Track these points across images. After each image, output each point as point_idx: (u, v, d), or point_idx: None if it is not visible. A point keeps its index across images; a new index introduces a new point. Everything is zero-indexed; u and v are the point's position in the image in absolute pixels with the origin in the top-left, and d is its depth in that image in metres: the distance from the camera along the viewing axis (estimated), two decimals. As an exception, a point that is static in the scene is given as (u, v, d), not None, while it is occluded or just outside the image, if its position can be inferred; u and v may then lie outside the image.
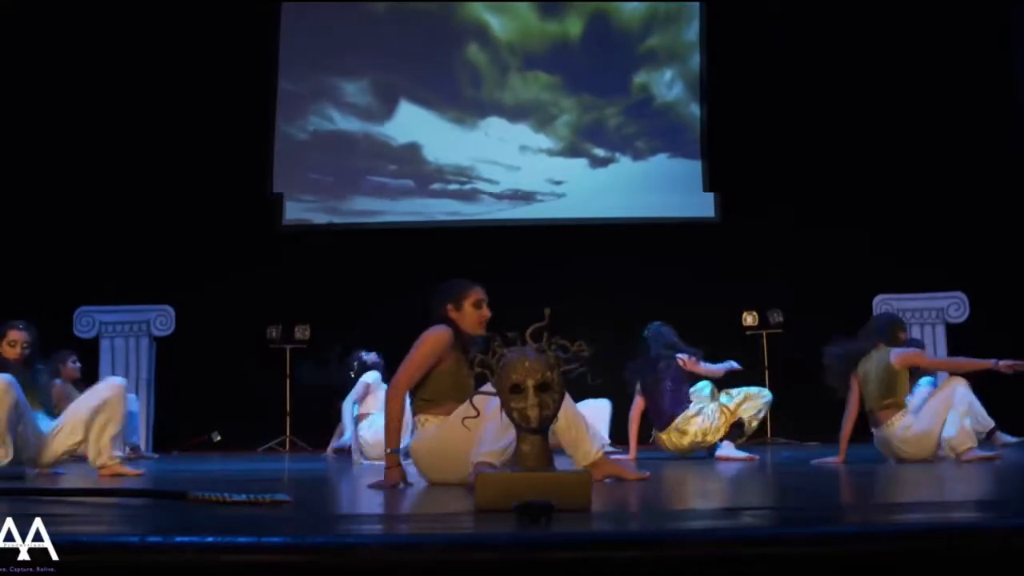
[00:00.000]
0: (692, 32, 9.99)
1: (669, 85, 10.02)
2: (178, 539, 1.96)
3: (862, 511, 2.79)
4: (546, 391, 2.92)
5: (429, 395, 4.09)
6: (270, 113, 9.69)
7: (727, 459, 5.94)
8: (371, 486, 3.84)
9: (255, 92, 9.51)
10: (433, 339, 4.03)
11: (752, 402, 6.19)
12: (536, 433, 2.93)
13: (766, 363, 8.75)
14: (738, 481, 4.47)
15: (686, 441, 6.22)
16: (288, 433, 8.79)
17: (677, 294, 8.18)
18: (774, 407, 6.54)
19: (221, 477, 5.01)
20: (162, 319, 8.62)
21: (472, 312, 4.10)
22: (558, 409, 2.94)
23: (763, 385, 7.25)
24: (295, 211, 9.71)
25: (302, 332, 8.96)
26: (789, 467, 5.54)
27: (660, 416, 6.29)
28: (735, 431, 6.13)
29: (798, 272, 8.73)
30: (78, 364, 7.27)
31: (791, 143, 9.24)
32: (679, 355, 6.33)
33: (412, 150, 9.83)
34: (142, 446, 7.79)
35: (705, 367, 6.39)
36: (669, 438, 6.24)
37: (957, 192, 8.89)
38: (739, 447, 6.18)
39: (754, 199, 9.17)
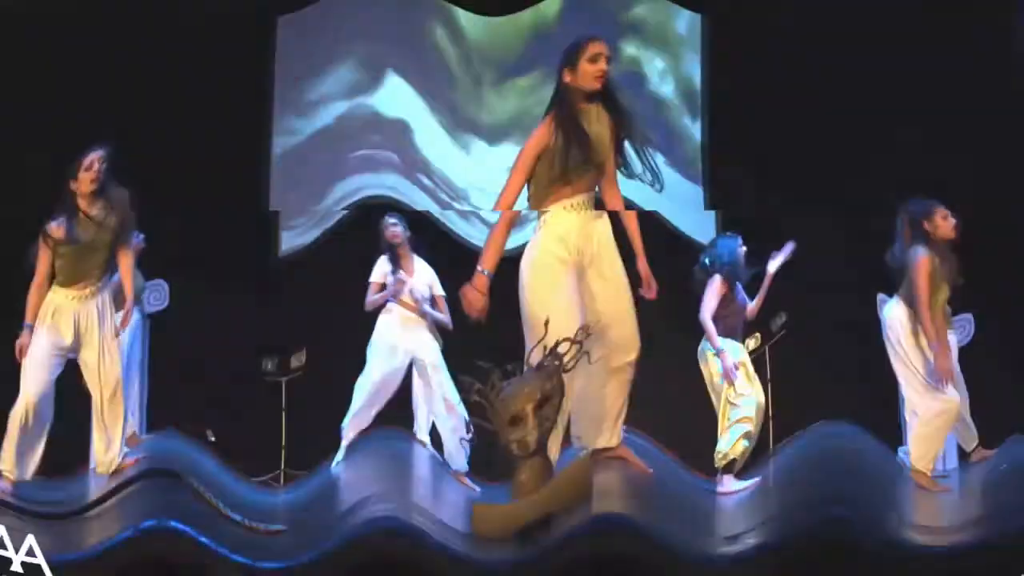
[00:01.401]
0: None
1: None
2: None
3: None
4: (546, 404, 3.37)
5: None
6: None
7: (732, 493, 6.25)
8: None
9: (247, 110, 9.70)
10: (531, 141, 4.43)
11: (745, 425, 6.48)
12: (535, 455, 3.38)
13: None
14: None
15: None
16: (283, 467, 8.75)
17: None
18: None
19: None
20: (156, 294, 8.30)
21: (588, 68, 4.38)
22: (557, 414, 3.40)
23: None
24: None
25: (298, 360, 9.05)
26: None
27: None
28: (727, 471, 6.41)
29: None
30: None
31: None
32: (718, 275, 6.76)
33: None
34: (137, 429, 7.78)
35: (708, 312, 6.70)
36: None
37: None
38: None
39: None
